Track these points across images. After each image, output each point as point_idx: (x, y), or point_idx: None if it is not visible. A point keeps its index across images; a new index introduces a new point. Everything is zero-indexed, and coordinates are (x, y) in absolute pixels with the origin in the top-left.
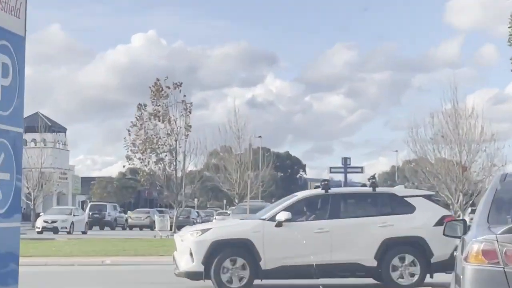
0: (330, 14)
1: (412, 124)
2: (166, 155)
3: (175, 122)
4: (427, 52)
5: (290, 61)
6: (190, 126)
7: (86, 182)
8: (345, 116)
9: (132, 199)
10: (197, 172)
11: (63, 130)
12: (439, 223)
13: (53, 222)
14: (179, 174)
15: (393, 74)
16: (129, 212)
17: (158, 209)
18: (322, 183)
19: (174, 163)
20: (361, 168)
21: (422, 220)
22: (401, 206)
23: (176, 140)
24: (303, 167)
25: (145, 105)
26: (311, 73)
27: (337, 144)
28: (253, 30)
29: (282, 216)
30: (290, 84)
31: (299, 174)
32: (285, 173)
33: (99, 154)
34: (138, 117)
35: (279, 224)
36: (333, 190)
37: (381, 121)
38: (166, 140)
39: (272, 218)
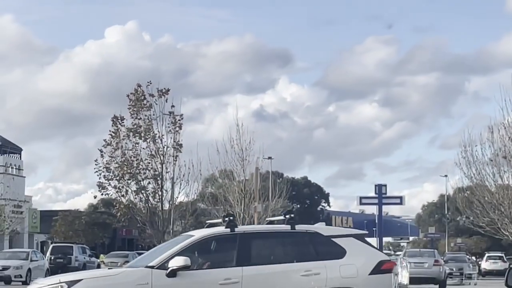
0: None
1: (466, 141)
2: (149, 183)
3: (161, 140)
4: (486, 48)
5: (309, 61)
6: (181, 145)
7: (47, 217)
8: (380, 131)
9: (106, 239)
10: (190, 204)
11: (17, 150)
12: (376, 270)
13: (4, 269)
14: (166, 206)
15: (442, 77)
16: (101, 255)
17: (139, 251)
18: (226, 218)
19: (160, 192)
20: (401, 198)
21: (355, 267)
22: (328, 249)
23: (162, 163)
24: (326, 197)
25: (122, 118)
26: (336, 75)
27: (369, 167)
28: (261, 22)
29: (177, 262)
30: (309, 90)
31: (320, 206)
32: (303, 204)
33: (64, 182)
34: (113, 134)
35: (172, 274)
36: (241, 229)
37: (426, 137)
38: (149, 163)
39: (162, 265)
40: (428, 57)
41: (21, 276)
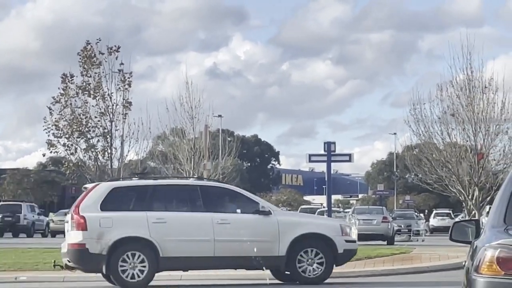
0: None
1: (415, 100)
2: (98, 141)
3: (110, 97)
4: (440, 6)
5: (263, 18)
6: (130, 103)
7: None
8: (332, 89)
9: (55, 197)
10: (139, 162)
11: None
12: None
13: None
14: (116, 164)
15: (396, 35)
16: (51, 214)
17: None
18: None
19: (109, 150)
20: (349, 155)
21: None
22: None
23: (111, 121)
24: (276, 155)
25: (72, 76)
26: (290, 33)
27: (321, 125)
28: None
29: None
30: (263, 48)
31: (270, 164)
32: (253, 162)
33: (13, 140)
34: (62, 91)
35: None
36: None
37: (379, 95)
38: (98, 121)
39: None
40: (383, 14)
41: None
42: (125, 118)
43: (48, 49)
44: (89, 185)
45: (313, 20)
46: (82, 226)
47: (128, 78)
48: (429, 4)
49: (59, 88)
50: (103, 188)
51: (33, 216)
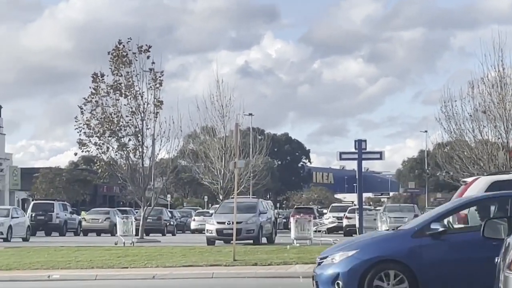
0: None
1: (446, 97)
2: (130, 140)
3: (142, 96)
4: (472, 3)
5: (294, 16)
6: (161, 102)
7: (28, 174)
8: (364, 87)
9: (87, 196)
10: (170, 160)
11: None
12: None
13: None
14: (147, 163)
15: (428, 32)
16: (83, 212)
17: (120, 208)
18: None
19: (140, 149)
20: (380, 153)
21: None
22: None
23: (143, 120)
24: (307, 154)
25: (103, 75)
26: (322, 31)
27: (352, 123)
28: None
29: None
30: (295, 46)
31: (301, 163)
32: (284, 161)
33: (46, 139)
34: (93, 91)
35: None
36: None
37: (410, 93)
38: (130, 120)
39: None
40: (414, 12)
41: (2, 234)
42: (156, 117)
43: (80, 50)
44: (468, 179)
45: (344, 19)
46: (464, 220)
47: (160, 77)
48: (461, 1)
49: (90, 88)
50: (483, 182)
51: (65, 215)
